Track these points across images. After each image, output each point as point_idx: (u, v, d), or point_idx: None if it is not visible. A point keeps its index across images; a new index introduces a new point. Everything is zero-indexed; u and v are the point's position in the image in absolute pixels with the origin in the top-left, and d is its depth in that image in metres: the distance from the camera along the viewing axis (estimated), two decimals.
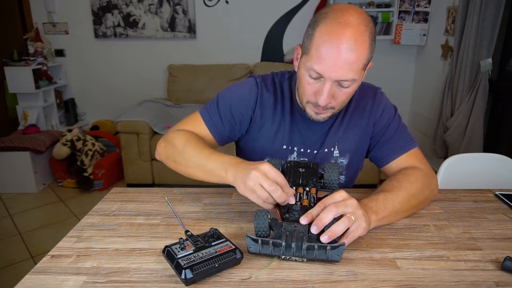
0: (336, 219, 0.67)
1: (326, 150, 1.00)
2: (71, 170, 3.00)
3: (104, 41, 3.61)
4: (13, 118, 3.41)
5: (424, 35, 3.28)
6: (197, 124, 0.99)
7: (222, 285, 0.62)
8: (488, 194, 1.00)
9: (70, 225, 0.82)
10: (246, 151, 1.05)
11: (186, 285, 0.61)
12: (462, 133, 2.50)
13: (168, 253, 0.65)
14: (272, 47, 3.62)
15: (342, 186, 1.06)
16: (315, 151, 1.01)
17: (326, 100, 0.82)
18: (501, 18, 2.27)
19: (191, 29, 3.55)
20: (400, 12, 3.25)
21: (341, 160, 1.02)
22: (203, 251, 0.64)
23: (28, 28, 3.55)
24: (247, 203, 0.92)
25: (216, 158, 0.81)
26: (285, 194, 0.71)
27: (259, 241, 0.66)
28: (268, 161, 0.84)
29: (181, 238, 0.67)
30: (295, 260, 0.67)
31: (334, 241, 0.67)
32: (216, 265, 0.62)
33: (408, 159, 0.97)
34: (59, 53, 3.63)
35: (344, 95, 0.84)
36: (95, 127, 3.53)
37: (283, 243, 0.65)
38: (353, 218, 0.68)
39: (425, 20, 3.25)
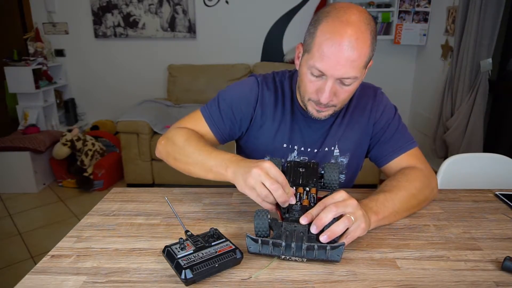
0: (336, 219, 0.67)
1: (326, 149, 1.01)
2: (71, 170, 3.00)
3: (104, 41, 3.61)
4: (13, 118, 3.41)
5: (424, 35, 3.28)
6: (198, 122, 0.98)
7: (222, 285, 0.62)
8: (488, 194, 1.00)
9: (70, 225, 0.82)
10: (247, 150, 1.05)
11: (186, 285, 0.61)
12: (462, 133, 2.50)
13: (168, 253, 0.65)
14: (272, 47, 3.62)
15: (342, 186, 1.06)
16: (316, 150, 1.01)
17: (328, 97, 0.83)
18: (501, 18, 2.27)
19: (191, 29, 3.55)
20: (400, 12, 3.25)
21: (342, 159, 1.02)
22: (203, 251, 0.64)
23: (28, 28, 3.55)
24: (247, 203, 0.92)
25: (216, 155, 0.81)
26: (286, 194, 0.71)
27: (259, 241, 0.66)
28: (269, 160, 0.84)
29: (181, 238, 0.67)
30: (295, 260, 0.67)
31: (334, 241, 0.67)
32: (216, 265, 0.62)
33: (408, 159, 0.97)
34: (59, 53, 3.63)
35: (345, 93, 0.85)
36: (95, 127, 3.53)
37: (283, 243, 0.65)
38: (352, 218, 0.68)
39: (425, 20, 3.25)
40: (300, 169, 0.84)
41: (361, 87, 1.00)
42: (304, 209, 0.71)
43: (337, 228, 0.66)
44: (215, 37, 3.59)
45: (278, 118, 0.99)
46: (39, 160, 2.96)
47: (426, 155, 1.02)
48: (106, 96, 3.76)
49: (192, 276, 0.60)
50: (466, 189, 1.03)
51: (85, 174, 2.95)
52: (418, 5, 3.23)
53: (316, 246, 0.65)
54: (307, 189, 0.78)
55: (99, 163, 2.99)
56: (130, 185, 2.97)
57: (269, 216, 0.69)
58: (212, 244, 0.66)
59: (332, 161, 1.02)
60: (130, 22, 3.54)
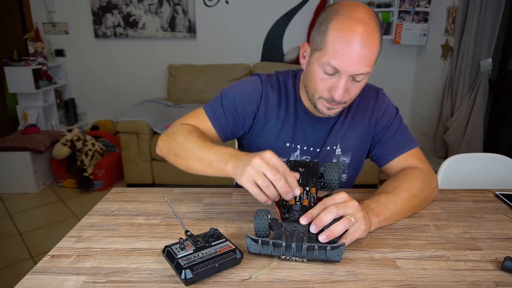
0: (336, 220, 0.67)
1: (328, 148, 1.01)
2: (71, 170, 3.00)
3: (104, 41, 3.61)
4: (13, 118, 3.41)
5: (424, 35, 3.28)
6: (200, 119, 0.97)
7: (222, 285, 0.62)
8: (488, 194, 1.00)
9: (70, 225, 0.82)
10: (249, 149, 1.05)
11: (186, 285, 0.61)
12: (462, 133, 2.50)
13: (168, 253, 0.65)
14: (272, 47, 3.62)
15: (344, 185, 1.06)
16: (318, 149, 1.01)
17: (342, 94, 0.83)
18: (501, 18, 2.27)
19: (191, 29, 3.55)
20: (400, 12, 3.25)
21: (343, 159, 1.02)
22: (203, 251, 0.64)
23: (28, 28, 3.55)
24: (247, 203, 0.92)
25: (217, 150, 0.80)
26: (288, 185, 0.69)
27: (259, 241, 0.66)
28: None
29: (181, 238, 0.67)
30: (295, 260, 0.67)
31: (334, 241, 0.67)
32: (216, 265, 0.62)
33: (409, 159, 0.97)
34: (59, 53, 3.63)
35: (356, 89, 0.86)
36: (95, 127, 3.53)
37: (283, 243, 0.65)
38: (353, 219, 0.68)
39: (425, 20, 3.25)
40: (300, 169, 0.84)
41: (363, 87, 1.01)
42: (304, 209, 0.71)
43: (337, 229, 0.66)
44: (215, 37, 3.59)
45: (282, 118, 0.99)
46: (39, 160, 2.96)
47: (426, 155, 1.02)
48: (106, 96, 3.76)
49: (192, 276, 0.60)
50: (466, 189, 1.03)
51: (85, 174, 2.95)
52: (418, 5, 3.23)
53: (316, 246, 0.65)
54: (307, 189, 0.78)
55: (99, 163, 2.99)
56: (130, 185, 2.97)
57: (269, 216, 0.69)
58: (212, 244, 0.66)
59: (334, 160, 1.02)
60: (130, 22, 3.54)
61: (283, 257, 0.67)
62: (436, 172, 1.06)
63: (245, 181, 0.70)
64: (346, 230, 0.68)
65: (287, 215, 0.71)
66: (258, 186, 0.69)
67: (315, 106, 0.92)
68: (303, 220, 0.68)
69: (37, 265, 0.67)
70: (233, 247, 0.66)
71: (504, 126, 2.54)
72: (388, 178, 0.97)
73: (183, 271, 0.60)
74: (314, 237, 0.67)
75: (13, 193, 2.89)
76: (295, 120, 1.00)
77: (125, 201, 0.93)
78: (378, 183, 2.84)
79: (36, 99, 3.20)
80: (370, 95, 1.01)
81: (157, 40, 3.60)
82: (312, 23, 3.49)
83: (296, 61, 3.46)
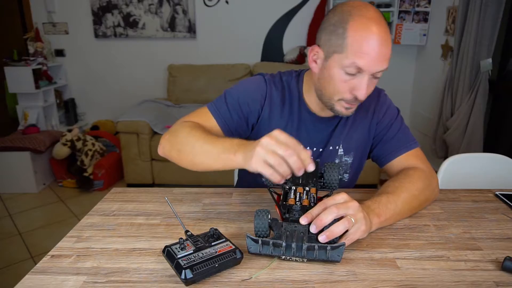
0: (336, 220, 0.67)
1: (331, 148, 1.01)
2: (71, 170, 3.00)
3: (104, 41, 3.61)
4: (13, 118, 3.41)
5: (424, 35, 3.28)
6: (203, 117, 0.95)
7: (222, 285, 0.62)
8: (488, 194, 1.00)
9: (70, 225, 0.82)
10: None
11: (186, 285, 0.61)
12: (462, 133, 2.50)
13: (168, 253, 0.65)
14: (272, 47, 3.62)
15: (346, 185, 1.06)
16: (321, 149, 1.02)
17: (366, 93, 0.84)
18: (501, 18, 2.27)
19: (191, 29, 3.55)
20: (400, 12, 3.25)
21: (346, 159, 1.03)
22: (203, 251, 0.64)
23: (28, 28, 3.55)
24: (247, 203, 0.92)
25: (222, 142, 0.77)
26: (301, 162, 0.66)
27: (259, 242, 0.66)
28: None
29: (181, 238, 0.67)
30: (296, 261, 0.68)
31: (334, 241, 0.67)
32: (216, 265, 0.62)
33: (409, 159, 0.97)
34: (59, 53, 3.63)
35: (373, 85, 0.87)
36: (95, 127, 3.53)
37: (284, 244, 0.65)
38: (353, 220, 0.68)
39: (425, 20, 3.25)
40: None
41: None
42: (304, 209, 0.71)
43: (337, 229, 0.66)
44: (215, 37, 3.59)
45: (285, 118, 0.99)
46: (39, 160, 2.96)
47: (426, 155, 1.02)
48: (106, 96, 3.76)
49: (192, 276, 0.60)
50: (466, 189, 1.03)
51: (85, 174, 2.95)
52: (418, 5, 3.23)
53: (316, 247, 0.65)
54: (307, 189, 0.78)
55: (99, 163, 2.99)
56: (130, 185, 2.97)
57: (269, 216, 0.69)
58: (212, 244, 0.66)
59: (337, 160, 1.02)
60: (130, 22, 3.54)
61: (283, 257, 0.67)
62: (436, 172, 1.06)
63: (256, 163, 0.66)
64: (347, 231, 0.68)
65: (287, 215, 0.71)
66: (270, 166, 0.66)
67: (331, 108, 0.91)
68: (303, 220, 0.68)
69: (37, 265, 0.67)
70: (233, 247, 0.66)
71: (504, 126, 2.54)
72: (389, 178, 0.97)
73: (183, 271, 0.60)
74: (314, 237, 0.67)
75: (13, 193, 2.89)
76: (299, 120, 1.00)
77: (125, 201, 0.93)
78: (378, 183, 2.84)
79: (36, 99, 3.20)
80: (372, 96, 1.02)
81: (157, 40, 3.60)
82: (312, 23, 3.49)
83: (296, 61, 3.46)
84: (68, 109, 3.61)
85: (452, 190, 1.02)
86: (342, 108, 0.90)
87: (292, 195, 0.76)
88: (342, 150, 1.02)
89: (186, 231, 0.70)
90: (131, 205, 0.91)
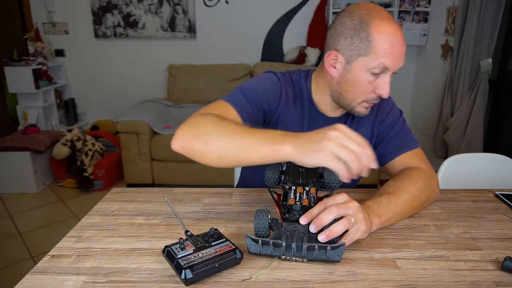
0: (336, 220, 0.67)
1: None
2: (71, 170, 3.00)
3: (104, 41, 3.61)
4: (13, 118, 3.41)
5: (424, 35, 3.28)
6: (221, 108, 0.87)
7: (222, 285, 0.62)
8: (488, 194, 1.00)
9: (70, 225, 0.82)
10: None
11: (186, 285, 0.61)
12: (462, 133, 2.50)
13: (168, 253, 0.65)
14: (272, 47, 3.62)
15: (348, 185, 1.06)
16: None
17: (390, 91, 0.86)
18: (501, 18, 2.27)
19: (191, 29, 3.55)
20: (400, 12, 3.25)
21: None
22: (203, 251, 0.64)
23: (28, 28, 3.55)
24: (247, 203, 0.92)
25: (262, 131, 0.71)
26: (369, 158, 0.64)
27: (260, 242, 0.66)
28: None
29: (181, 238, 0.67)
30: (296, 261, 0.68)
31: (333, 241, 0.67)
32: (216, 265, 0.62)
33: (411, 158, 0.97)
34: (59, 53, 3.63)
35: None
36: (95, 127, 3.53)
37: (284, 244, 0.65)
38: (353, 220, 0.68)
39: (425, 20, 3.25)
40: (300, 169, 0.84)
41: None
42: (304, 209, 0.71)
43: (336, 229, 0.66)
44: (215, 37, 3.59)
45: (297, 116, 0.99)
46: (39, 160, 2.96)
47: (426, 155, 1.02)
48: (106, 96, 3.76)
49: (192, 276, 0.60)
50: (466, 189, 1.03)
51: (85, 174, 2.95)
52: (418, 5, 3.23)
53: (316, 246, 0.65)
54: (307, 188, 0.78)
55: (99, 163, 2.99)
56: (130, 185, 2.97)
57: (269, 216, 0.69)
58: (212, 244, 0.66)
59: None
60: (130, 22, 3.54)
61: (283, 257, 0.67)
62: (436, 172, 1.07)
63: (326, 157, 0.62)
64: (346, 231, 0.68)
65: (287, 215, 0.71)
66: (341, 161, 0.63)
67: (351, 110, 0.93)
68: (303, 220, 0.68)
69: (37, 265, 0.67)
70: (233, 247, 0.66)
71: (504, 126, 2.54)
72: (389, 177, 0.98)
73: (183, 271, 0.60)
74: (314, 237, 0.67)
75: (13, 193, 2.89)
76: (309, 119, 1.00)
77: (125, 201, 0.93)
78: (378, 183, 2.84)
79: (36, 99, 3.20)
80: None
81: (157, 40, 3.60)
82: (312, 23, 3.49)
83: (296, 61, 3.46)
84: (68, 109, 3.61)
85: (452, 190, 1.02)
86: (363, 109, 0.92)
87: (292, 195, 0.76)
88: None
89: (186, 231, 0.70)
90: (131, 205, 0.91)
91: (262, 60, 3.65)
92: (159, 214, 0.86)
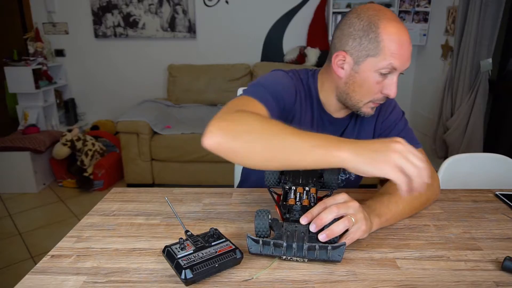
0: (336, 220, 0.67)
1: None
2: (71, 170, 3.00)
3: (104, 41, 3.61)
4: (13, 118, 3.41)
5: (424, 35, 3.28)
6: (250, 104, 0.82)
7: (222, 285, 0.62)
8: (488, 194, 1.00)
9: (70, 225, 0.82)
10: None
11: (186, 285, 0.61)
12: (462, 133, 2.50)
13: (168, 253, 0.65)
14: (272, 47, 3.62)
15: (352, 184, 1.07)
16: None
17: (397, 90, 0.87)
18: (501, 18, 2.27)
19: (191, 29, 3.55)
20: (400, 12, 3.25)
21: None
22: (203, 251, 0.64)
23: (28, 28, 3.55)
24: (247, 203, 0.92)
25: (314, 134, 0.68)
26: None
27: (260, 242, 0.66)
28: None
29: (181, 238, 0.67)
30: (296, 261, 0.68)
31: (333, 241, 0.67)
32: (216, 265, 0.62)
33: None
34: (59, 53, 3.63)
35: None
36: (95, 127, 3.53)
37: (284, 244, 0.65)
38: (353, 220, 0.68)
39: (425, 20, 3.25)
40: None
41: None
42: (305, 209, 0.71)
43: (337, 228, 0.66)
44: (215, 37, 3.59)
45: (309, 116, 1.00)
46: (39, 160, 2.96)
47: (426, 155, 1.02)
48: (106, 96, 3.76)
49: (192, 276, 0.60)
50: (466, 189, 1.03)
51: (85, 174, 2.95)
52: (418, 5, 3.23)
53: (317, 246, 0.65)
54: (307, 189, 0.78)
55: (99, 163, 2.99)
56: (130, 185, 2.97)
57: (269, 217, 0.69)
58: (212, 244, 0.66)
59: None
60: (130, 22, 3.54)
61: (284, 257, 0.67)
62: (436, 172, 1.07)
63: (390, 168, 0.61)
64: (347, 230, 0.68)
65: (287, 215, 0.71)
66: (405, 174, 0.62)
67: (357, 110, 0.93)
68: (303, 220, 0.68)
69: (37, 265, 0.67)
70: (233, 247, 0.66)
71: (504, 126, 2.54)
72: None
73: (183, 271, 0.60)
74: (315, 237, 0.67)
75: (13, 193, 2.89)
76: (317, 120, 1.00)
77: (125, 201, 0.93)
78: (378, 183, 2.84)
79: (36, 99, 3.20)
80: None
81: (157, 40, 3.60)
82: (312, 23, 3.49)
83: (296, 61, 3.46)
84: (68, 109, 3.61)
85: (452, 190, 1.02)
86: (369, 109, 0.92)
87: (292, 195, 0.76)
88: None
89: (186, 231, 0.70)
90: (131, 205, 0.91)
91: (262, 60, 3.65)
92: (159, 214, 0.86)
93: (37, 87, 3.15)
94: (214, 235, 0.68)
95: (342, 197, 0.71)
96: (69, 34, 3.59)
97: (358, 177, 1.07)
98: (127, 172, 2.93)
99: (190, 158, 2.81)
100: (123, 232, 0.79)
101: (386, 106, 1.03)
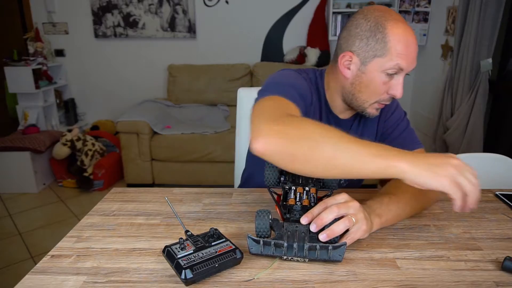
0: (337, 220, 0.67)
1: None
2: (71, 170, 3.00)
3: (104, 41, 3.61)
4: (13, 118, 3.41)
5: (424, 35, 3.28)
6: (286, 105, 0.80)
7: (222, 285, 0.62)
8: (488, 194, 1.00)
9: (70, 225, 0.82)
10: None
11: (186, 285, 0.61)
12: (462, 133, 2.50)
13: (168, 253, 0.65)
14: (272, 47, 3.62)
15: (354, 184, 1.07)
16: None
17: (403, 91, 0.87)
18: (501, 18, 2.27)
19: (191, 29, 3.55)
20: (400, 12, 3.25)
21: None
22: (203, 251, 0.64)
23: (28, 28, 3.55)
24: (247, 203, 0.92)
25: (372, 143, 0.67)
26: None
27: (261, 242, 0.66)
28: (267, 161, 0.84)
29: (181, 238, 0.67)
30: (297, 261, 0.68)
31: (334, 241, 0.67)
32: (216, 265, 0.62)
33: None
34: (59, 53, 3.63)
35: None
36: (95, 127, 3.53)
37: (285, 244, 0.65)
38: (353, 219, 0.68)
39: (425, 20, 3.25)
40: None
41: None
42: (305, 209, 0.71)
43: (337, 228, 0.66)
44: (215, 37, 3.59)
45: (317, 117, 1.00)
46: (39, 160, 2.96)
47: None
48: (106, 96, 3.76)
49: (192, 276, 0.60)
50: None
51: (85, 174, 2.95)
52: (418, 5, 3.23)
53: (318, 246, 0.65)
54: (307, 188, 0.78)
55: (99, 163, 2.99)
56: (130, 185, 2.97)
57: (270, 217, 0.69)
58: (212, 244, 0.66)
59: None
60: (130, 22, 3.54)
61: (284, 257, 0.67)
62: None
63: (448, 182, 0.63)
64: (347, 230, 0.68)
65: (288, 215, 0.71)
66: (460, 190, 0.63)
67: (362, 111, 0.93)
68: (304, 220, 0.68)
69: (37, 265, 0.67)
70: (233, 247, 0.66)
71: (504, 126, 2.54)
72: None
73: (183, 271, 0.60)
74: (315, 237, 0.67)
75: (13, 193, 2.89)
76: (325, 120, 1.00)
77: (125, 201, 0.93)
78: (378, 183, 2.84)
79: (36, 99, 3.20)
80: None
81: (157, 40, 3.60)
82: (312, 23, 3.49)
83: (296, 61, 3.46)
84: (68, 109, 3.61)
85: None
86: (374, 110, 0.92)
87: (292, 195, 0.76)
88: None
89: (186, 231, 0.70)
90: (131, 205, 0.91)
91: (262, 60, 3.65)
92: (159, 214, 0.86)
93: (37, 87, 3.15)
94: (214, 235, 0.68)
95: (342, 197, 0.71)
96: (69, 34, 3.59)
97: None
98: (127, 172, 2.93)
99: (190, 158, 2.82)
100: (123, 232, 0.79)
101: (389, 106, 1.03)
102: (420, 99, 3.45)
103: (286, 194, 0.77)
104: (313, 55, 3.40)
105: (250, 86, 3.06)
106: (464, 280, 0.64)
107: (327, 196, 0.79)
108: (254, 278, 0.63)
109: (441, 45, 2.98)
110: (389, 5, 3.28)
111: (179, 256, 0.63)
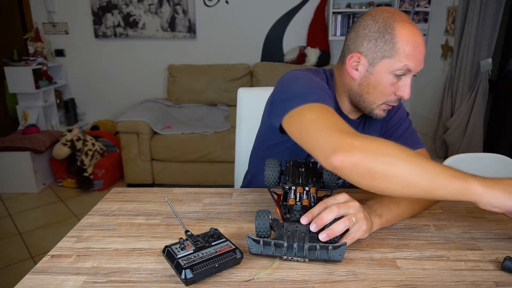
0: (337, 220, 0.67)
1: None
2: (71, 170, 3.00)
3: (104, 41, 3.61)
4: (13, 118, 3.41)
5: (424, 35, 3.28)
6: (333, 115, 0.78)
7: (222, 285, 0.62)
8: None
9: (70, 225, 0.82)
10: (284, 145, 0.96)
11: (186, 285, 0.61)
12: (462, 133, 2.50)
13: (168, 253, 0.65)
14: (272, 47, 3.62)
15: (349, 185, 1.06)
16: None
17: (410, 92, 0.88)
18: (501, 18, 2.27)
19: (191, 29, 3.55)
20: None
21: None
22: (203, 251, 0.64)
23: (28, 28, 3.55)
24: (247, 203, 0.92)
25: (445, 166, 0.67)
26: None
27: (261, 242, 0.66)
28: (267, 161, 0.84)
29: (181, 238, 0.67)
30: (297, 261, 0.68)
31: (334, 241, 0.67)
32: (216, 265, 0.63)
33: None
34: (59, 53, 3.64)
35: None
36: (95, 127, 3.53)
37: (285, 244, 0.65)
38: (354, 219, 0.68)
39: (425, 20, 3.25)
40: (300, 169, 0.84)
41: None
42: (305, 209, 0.71)
43: (337, 228, 0.66)
44: (215, 37, 3.59)
45: None
46: (39, 160, 2.96)
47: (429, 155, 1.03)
48: (106, 96, 3.76)
49: (192, 276, 0.60)
50: None
51: (85, 174, 2.95)
52: (418, 5, 3.23)
53: (318, 246, 0.65)
54: (307, 188, 0.78)
55: (99, 163, 2.99)
56: (130, 185, 2.97)
57: (270, 217, 0.69)
58: (212, 244, 0.66)
59: None
60: (130, 22, 3.54)
61: (284, 257, 0.67)
62: None
63: None
64: (347, 230, 0.68)
65: (288, 215, 0.71)
66: None
67: (370, 112, 0.93)
68: (304, 220, 0.68)
69: (37, 265, 0.67)
70: (233, 247, 0.66)
71: (504, 126, 2.54)
72: None
73: (183, 271, 0.60)
74: (315, 237, 0.67)
75: (13, 193, 2.89)
76: None
77: (125, 201, 0.93)
78: None
79: (36, 99, 3.20)
80: None
81: (157, 40, 3.60)
82: (312, 23, 3.49)
83: (296, 61, 3.46)
84: (68, 109, 3.61)
85: None
86: (381, 111, 0.92)
87: (292, 195, 0.76)
88: None
89: (186, 231, 0.70)
90: (131, 205, 0.91)
91: (262, 60, 3.65)
92: (159, 214, 0.86)
93: (37, 87, 3.15)
94: (214, 235, 0.68)
95: (342, 197, 0.71)
96: (69, 34, 3.59)
97: None
98: (127, 172, 2.93)
99: (190, 158, 2.82)
100: (123, 232, 0.79)
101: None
102: (420, 99, 3.45)
103: (286, 194, 0.77)
104: (313, 55, 3.40)
105: (250, 86, 3.06)
106: (464, 280, 0.64)
107: (327, 196, 0.79)
108: (254, 278, 0.63)
109: (441, 45, 2.98)
110: (389, 5, 3.28)
111: (179, 256, 0.63)
